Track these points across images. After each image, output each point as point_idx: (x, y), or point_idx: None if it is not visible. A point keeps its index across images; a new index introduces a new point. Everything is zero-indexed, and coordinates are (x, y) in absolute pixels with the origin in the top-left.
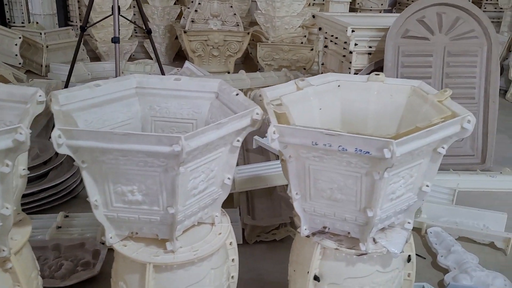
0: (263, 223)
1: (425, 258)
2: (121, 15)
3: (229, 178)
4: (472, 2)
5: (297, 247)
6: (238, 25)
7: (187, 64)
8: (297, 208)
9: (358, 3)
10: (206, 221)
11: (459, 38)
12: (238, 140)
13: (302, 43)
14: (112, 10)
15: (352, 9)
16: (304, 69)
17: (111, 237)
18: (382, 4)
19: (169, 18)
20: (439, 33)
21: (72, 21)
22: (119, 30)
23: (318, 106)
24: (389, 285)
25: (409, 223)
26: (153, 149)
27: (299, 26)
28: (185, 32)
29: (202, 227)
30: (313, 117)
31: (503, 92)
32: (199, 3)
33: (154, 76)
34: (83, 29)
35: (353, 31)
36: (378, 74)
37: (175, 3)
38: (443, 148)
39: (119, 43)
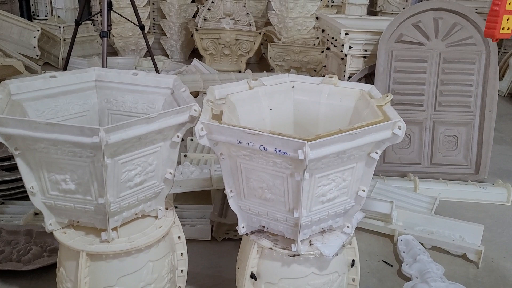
0: (229, 220)
1: (392, 266)
2: (113, 11)
3: (170, 173)
4: None
5: (241, 245)
6: (250, 24)
7: (194, 61)
8: (232, 205)
9: (379, 6)
10: (149, 214)
11: (456, 44)
12: (178, 136)
13: (314, 44)
14: (101, 5)
15: (373, 13)
16: (315, 71)
17: (50, 224)
18: (404, 8)
19: (186, 16)
20: (435, 39)
21: (92, 15)
22: (108, 25)
23: (269, 107)
24: None
25: (348, 227)
26: (76, 139)
27: (312, 28)
28: (196, 30)
29: (146, 220)
30: (263, 118)
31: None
32: (212, 2)
33: (113, 70)
34: (77, 23)
35: (346, 33)
36: (332, 77)
37: (192, 1)
38: (376, 153)
39: (107, 37)
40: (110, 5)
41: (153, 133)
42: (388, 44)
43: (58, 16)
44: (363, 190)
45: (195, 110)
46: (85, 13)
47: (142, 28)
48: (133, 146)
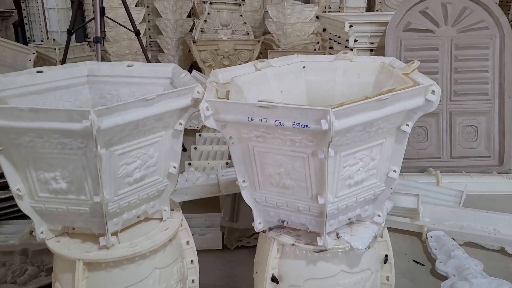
0: (241, 225)
1: (423, 265)
2: (106, 16)
3: (175, 167)
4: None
5: (258, 245)
6: (248, 33)
7: (194, 73)
8: (246, 198)
9: (376, 10)
10: (153, 216)
11: (467, 29)
12: (180, 124)
13: (315, 49)
14: (94, 11)
15: None
16: None
17: (41, 232)
18: None
19: (182, 31)
20: (444, 25)
21: (89, 38)
22: (101, 31)
23: (279, 89)
24: None
25: (379, 215)
26: (64, 126)
27: (311, 33)
28: (194, 42)
29: (149, 222)
30: (273, 101)
31: None
32: (209, 13)
33: (106, 63)
34: (70, 32)
35: (351, 26)
36: (346, 52)
37: (188, 16)
38: (408, 125)
39: (100, 43)
40: (102, 10)
41: (152, 119)
42: (396, 34)
43: (54, 39)
44: (394, 171)
45: (198, 92)
46: (78, 21)
47: (137, 33)
48: (130, 134)
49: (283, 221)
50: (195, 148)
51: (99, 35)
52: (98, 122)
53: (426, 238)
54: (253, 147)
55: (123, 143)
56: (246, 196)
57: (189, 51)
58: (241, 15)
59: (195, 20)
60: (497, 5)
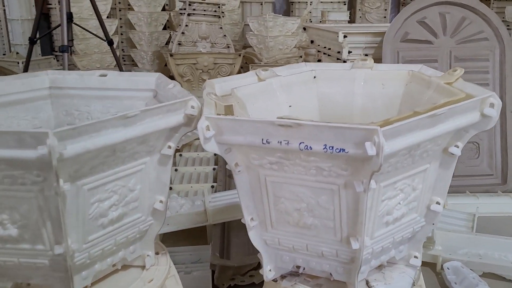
0: (235, 262)
1: None
2: (75, 23)
3: (161, 202)
4: None
5: None
6: (228, 47)
7: None
8: (254, 240)
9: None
10: (133, 263)
11: (466, 40)
12: (169, 147)
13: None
14: (60, 16)
15: None
16: None
17: None
18: (385, 17)
19: (158, 44)
20: (443, 36)
21: (56, 51)
22: (69, 39)
23: (287, 103)
24: None
25: (416, 257)
26: (13, 154)
27: (294, 47)
28: (171, 55)
29: (129, 271)
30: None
31: None
32: (187, 25)
33: (73, 73)
34: (32, 41)
35: (345, 36)
36: (365, 60)
37: (164, 28)
38: (457, 147)
39: (67, 52)
40: (70, 16)
41: (133, 143)
42: (394, 44)
43: (17, 53)
44: (438, 203)
45: (192, 107)
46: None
47: (110, 43)
48: (104, 163)
49: (298, 267)
50: (176, 170)
51: (66, 43)
52: (59, 148)
53: (442, 269)
54: (265, 176)
55: (95, 174)
56: (254, 237)
57: (166, 65)
58: (221, 28)
59: (171, 33)
60: (496, 15)
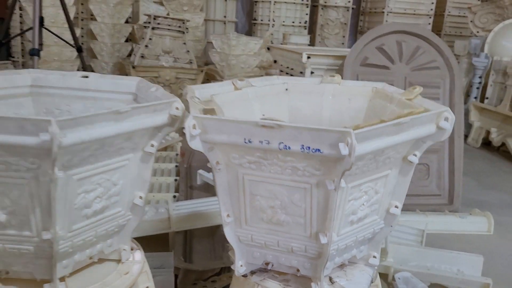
0: (198, 266)
1: None
2: (45, 28)
3: (141, 198)
4: None
5: None
6: (191, 62)
7: None
8: (229, 236)
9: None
10: (109, 257)
11: (420, 68)
12: (152, 145)
13: None
14: (33, 19)
15: None
16: None
17: None
18: (343, 44)
19: (119, 55)
20: (399, 62)
21: (13, 56)
22: (40, 43)
23: (261, 112)
24: None
25: (374, 257)
26: (13, 140)
27: (256, 66)
28: (133, 67)
29: (104, 264)
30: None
31: (464, 137)
32: (150, 39)
33: (55, 72)
34: (0, 43)
35: (308, 57)
36: (334, 75)
37: (126, 41)
38: (415, 156)
39: (37, 56)
40: (41, 20)
41: (121, 138)
42: (354, 68)
43: None
44: (396, 207)
45: (177, 108)
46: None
47: (79, 50)
48: (93, 155)
49: (267, 263)
50: None
51: (37, 46)
52: (60, 135)
53: (393, 280)
54: (243, 175)
55: (84, 165)
56: (228, 233)
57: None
58: (184, 43)
59: (133, 45)
60: (448, 47)
